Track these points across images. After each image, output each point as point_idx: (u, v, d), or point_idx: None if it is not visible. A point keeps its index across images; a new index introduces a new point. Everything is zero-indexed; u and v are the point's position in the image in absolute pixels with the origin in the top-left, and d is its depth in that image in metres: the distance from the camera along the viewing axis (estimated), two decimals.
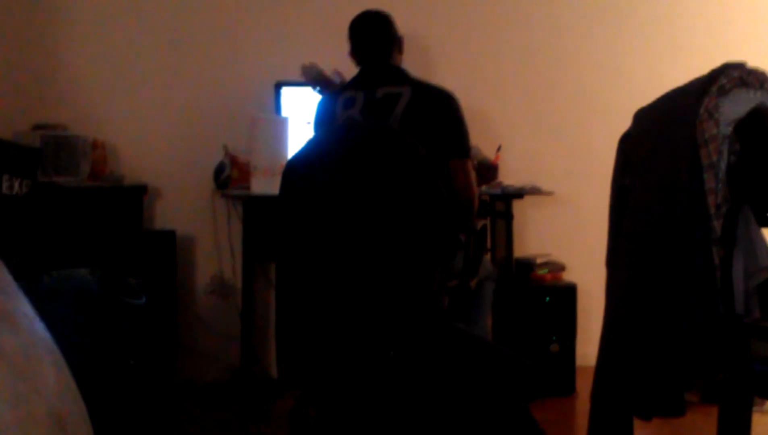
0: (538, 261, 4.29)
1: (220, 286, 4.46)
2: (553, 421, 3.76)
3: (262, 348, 4.37)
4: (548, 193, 4.27)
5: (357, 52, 3.34)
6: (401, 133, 2.59)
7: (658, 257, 2.33)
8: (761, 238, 2.18)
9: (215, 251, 4.47)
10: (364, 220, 2.50)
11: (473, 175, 3.23)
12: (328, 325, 2.58)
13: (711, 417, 2.39)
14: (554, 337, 4.16)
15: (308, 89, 4.12)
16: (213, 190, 4.34)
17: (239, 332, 4.16)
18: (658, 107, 2.50)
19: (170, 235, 4.13)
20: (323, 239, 2.57)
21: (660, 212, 2.34)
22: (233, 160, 4.16)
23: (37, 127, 3.99)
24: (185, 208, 4.42)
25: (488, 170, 4.24)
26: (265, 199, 3.78)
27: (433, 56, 4.57)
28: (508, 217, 4.16)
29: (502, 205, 4.20)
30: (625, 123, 2.66)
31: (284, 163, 2.75)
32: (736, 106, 2.16)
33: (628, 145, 2.65)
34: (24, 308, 1.33)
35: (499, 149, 4.39)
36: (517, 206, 4.25)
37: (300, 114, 4.10)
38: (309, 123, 3.45)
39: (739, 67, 2.22)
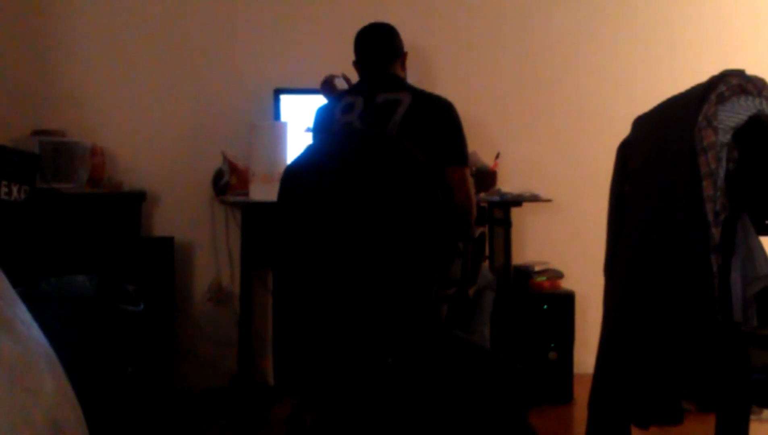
0: (537, 268, 4.29)
1: (218, 292, 4.45)
2: (551, 429, 3.76)
3: (259, 355, 4.37)
4: (547, 201, 4.27)
5: (360, 60, 3.35)
6: (399, 140, 2.59)
7: (656, 265, 2.33)
8: (760, 245, 2.18)
9: (213, 258, 4.46)
10: (362, 226, 2.50)
11: (471, 183, 3.23)
12: (325, 332, 2.58)
13: (708, 425, 2.38)
14: (552, 345, 4.15)
15: (307, 96, 4.13)
16: (211, 197, 4.33)
17: (237, 339, 4.15)
18: (657, 114, 2.50)
19: (168, 241, 4.13)
20: (321, 246, 2.57)
21: (658, 220, 2.34)
22: (232, 167, 4.15)
23: (36, 132, 3.99)
24: (184, 214, 4.42)
25: (487, 177, 4.23)
26: (263, 206, 3.78)
27: (433, 64, 4.57)
28: (507, 224, 4.16)
29: (501, 212, 4.20)
30: (623, 130, 2.66)
31: (283, 169, 2.75)
32: (734, 114, 2.16)
33: (626, 152, 2.65)
34: (22, 314, 1.33)
35: (497, 156, 4.39)
36: (516, 213, 4.25)
37: (299, 121, 4.10)
38: (308, 129, 3.45)
39: (738, 74, 2.22)
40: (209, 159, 4.29)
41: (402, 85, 3.23)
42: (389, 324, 2.48)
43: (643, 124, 2.59)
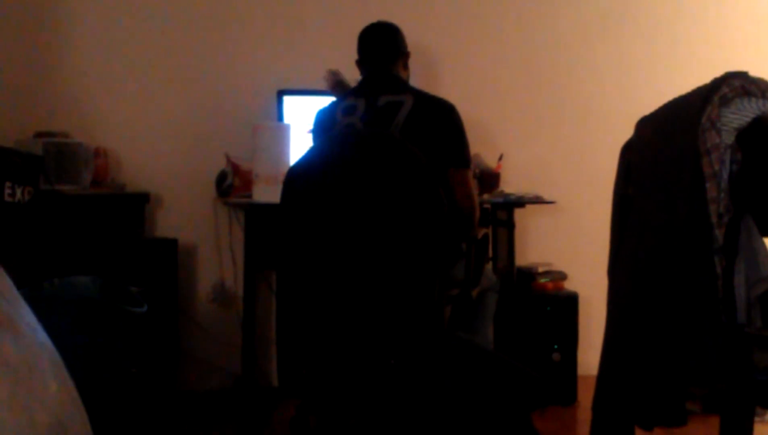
0: (540, 270, 4.29)
1: (221, 294, 4.45)
2: (555, 430, 3.76)
3: (263, 356, 4.37)
4: (550, 202, 4.27)
5: (362, 60, 3.35)
6: (403, 142, 2.59)
7: (659, 266, 2.33)
8: (763, 247, 2.18)
9: (217, 259, 4.47)
10: (365, 227, 2.50)
11: (473, 184, 3.23)
12: (329, 333, 2.58)
13: (713, 427, 2.39)
14: (556, 347, 4.15)
15: (310, 98, 4.13)
16: (215, 198, 4.33)
17: (240, 340, 4.16)
18: (660, 116, 2.50)
19: (172, 243, 4.13)
20: (325, 247, 2.57)
21: (662, 221, 2.34)
22: (235, 168, 4.16)
23: (39, 134, 3.99)
24: (187, 216, 4.42)
25: (490, 179, 4.24)
26: (266, 208, 3.78)
27: (436, 66, 4.57)
28: (510, 226, 4.16)
29: (504, 213, 4.20)
30: (627, 132, 2.66)
31: (286, 171, 2.75)
32: (738, 116, 2.16)
33: (630, 154, 2.65)
34: (26, 316, 1.33)
35: (501, 158, 4.39)
36: (519, 215, 4.25)
37: (302, 122, 4.10)
38: (309, 131, 3.45)
39: (741, 76, 2.22)
40: (212, 160, 4.29)
41: (404, 87, 3.23)
42: (392, 325, 2.49)
43: (646, 125, 2.58)
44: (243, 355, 4.12)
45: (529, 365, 4.00)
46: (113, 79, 4.41)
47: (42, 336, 1.34)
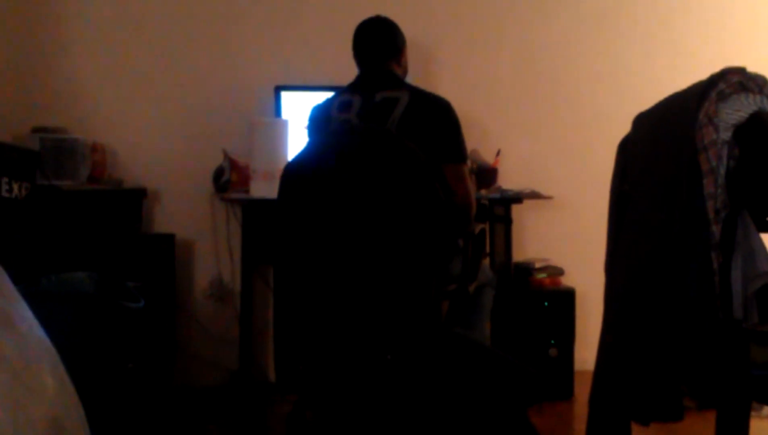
0: (537, 265, 4.29)
1: (218, 289, 4.46)
2: (552, 425, 3.76)
3: (260, 352, 4.38)
4: (547, 198, 4.27)
5: (358, 55, 3.35)
6: (400, 137, 2.59)
7: (656, 262, 2.33)
8: (760, 243, 2.18)
9: (214, 255, 4.47)
10: (363, 223, 2.50)
11: (470, 179, 3.23)
12: (326, 328, 2.58)
13: (709, 422, 2.38)
14: (553, 342, 4.15)
15: (308, 93, 4.13)
16: (212, 194, 4.33)
17: (237, 336, 4.16)
18: (658, 112, 2.50)
19: (169, 238, 4.13)
20: (322, 243, 2.57)
21: (659, 217, 2.34)
22: (233, 164, 4.15)
23: (37, 130, 3.99)
24: (184, 211, 4.42)
25: (487, 174, 4.24)
26: (264, 203, 3.78)
27: (433, 62, 4.57)
28: (507, 221, 4.16)
29: (501, 209, 4.20)
30: (624, 128, 2.66)
31: (283, 166, 2.75)
32: (735, 111, 2.16)
33: (627, 150, 2.65)
34: (23, 312, 1.33)
35: (498, 154, 4.39)
36: (516, 211, 4.25)
37: (300, 117, 4.10)
38: (304, 127, 3.45)
39: (739, 72, 2.22)
40: (210, 156, 4.29)
41: (400, 83, 3.23)
42: (389, 320, 2.49)
43: (643, 121, 2.59)
44: (240, 351, 4.13)
45: (526, 360, 4.01)
46: (111, 74, 4.41)
47: (39, 332, 1.34)
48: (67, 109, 4.31)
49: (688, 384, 2.32)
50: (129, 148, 4.39)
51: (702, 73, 2.29)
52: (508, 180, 4.39)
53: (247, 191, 3.94)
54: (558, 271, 4.32)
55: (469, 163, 3.71)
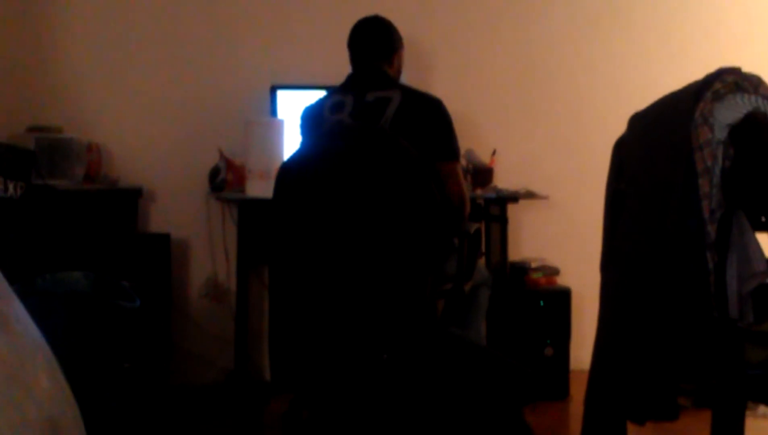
0: (533, 265, 4.29)
1: (214, 289, 4.45)
2: (547, 425, 3.76)
3: (255, 351, 4.37)
4: (543, 197, 4.28)
5: (352, 54, 3.35)
6: (395, 136, 2.59)
7: (652, 261, 2.33)
8: (755, 242, 2.18)
9: (210, 254, 4.46)
10: (358, 222, 2.50)
11: (463, 177, 3.24)
12: (321, 328, 2.58)
13: (704, 421, 2.39)
14: (548, 341, 4.15)
15: (303, 93, 4.12)
16: (208, 193, 4.33)
17: (233, 335, 4.16)
18: (653, 112, 2.50)
19: (165, 238, 4.13)
20: (317, 242, 2.57)
21: (654, 216, 2.34)
22: (228, 163, 4.15)
23: (32, 129, 3.99)
24: (180, 211, 4.42)
25: (483, 174, 4.24)
26: (259, 203, 3.77)
27: (429, 61, 4.57)
28: (503, 220, 4.16)
29: (497, 208, 4.20)
30: (620, 127, 2.67)
31: (279, 166, 2.75)
32: (730, 111, 2.17)
33: (622, 149, 2.66)
34: (18, 311, 1.32)
35: (494, 153, 4.39)
36: (512, 210, 4.25)
37: (295, 117, 4.10)
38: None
39: (734, 72, 2.23)
40: (206, 155, 4.28)
41: (391, 83, 3.23)
42: (385, 320, 2.49)
43: (639, 121, 2.59)
44: (236, 350, 4.13)
45: (522, 360, 4.01)
46: (106, 74, 4.41)
47: (34, 331, 1.33)
48: (62, 109, 4.31)
49: (684, 382, 2.33)
50: (124, 147, 4.39)
51: (697, 73, 2.30)
52: (504, 179, 4.39)
53: (242, 191, 3.94)
54: (553, 271, 4.32)
55: (462, 161, 3.71)
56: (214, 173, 4.22)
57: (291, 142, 3.86)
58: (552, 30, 4.71)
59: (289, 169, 2.66)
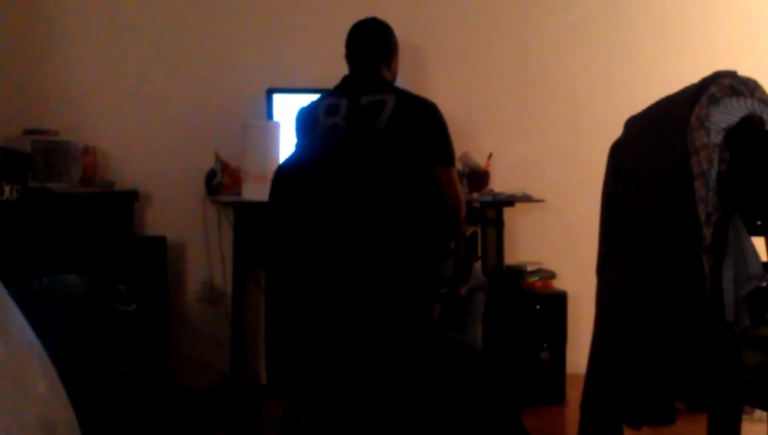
0: (529, 269, 4.29)
1: (210, 292, 4.45)
2: (543, 429, 3.77)
3: (252, 354, 4.37)
4: (539, 201, 4.28)
5: (348, 56, 3.35)
6: (390, 139, 2.59)
7: (648, 265, 2.33)
8: (751, 246, 2.18)
9: (206, 257, 4.46)
10: (354, 226, 2.50)
11: (458, 181, 3.24)
12: (317, 331, 2.58)
13: (700, 426, 2.39)
14: (545, 345, 4.15)
15: (300, 96, 4.12)
16: (204, 196, 4.33)
17: (229, 338, 4.16)
18: (649, 115, 2.50)
19: (161, 241, 4.12)
20: (313, 245, 2.57)
21: (650, 220, 2.34)
22: (224, 166, 4.15)
23: (28, 132, 3.98)
24: (176, 214, 4.41)
25: (479, 177, 4.24)
26: (256, 206, 3.77)
27: (425, 64, 4.57)
28: (499, 224, 4.17)
29: (493, 212, 4.21)
30: (616, 131, 2.67)
31: (275, 169, 2.75)
32: (726, 115, 2.17)
33: (619, 153, 2.66)
34: (13, 314, 1.32)
35: (490, 157, 4.39)
36: (508, 214, 4.26)
37: (291, 120, 4.10)
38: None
39: (730, 75, 2.23)
40: (202, 158, 4.28)
41: (387, 86, 3.23)
42: (381, 323, 2.48)
43: (635, 125, 2.59)
44: (232, 353, 4.12)
45: (518, 364, 4.01)
46: (103, 77, 4.40)
47: (30, 335, 1.33)
48: (58, 112, 4.30)
49: (680, 387, 2.32)
50: (120, 150, 4.38)
51: (694, 77, 2.30)
52: (500, 183, 4.39)
53: (238, 194, 3.94)
54: (550, 275, 4.32)
55: (458, 164, 3.71)
56: (210, 176, 4.22)
57: (287, 145, 3.86)
58: (548, 34, 4.72)
59: (286, 172, 2.66)
